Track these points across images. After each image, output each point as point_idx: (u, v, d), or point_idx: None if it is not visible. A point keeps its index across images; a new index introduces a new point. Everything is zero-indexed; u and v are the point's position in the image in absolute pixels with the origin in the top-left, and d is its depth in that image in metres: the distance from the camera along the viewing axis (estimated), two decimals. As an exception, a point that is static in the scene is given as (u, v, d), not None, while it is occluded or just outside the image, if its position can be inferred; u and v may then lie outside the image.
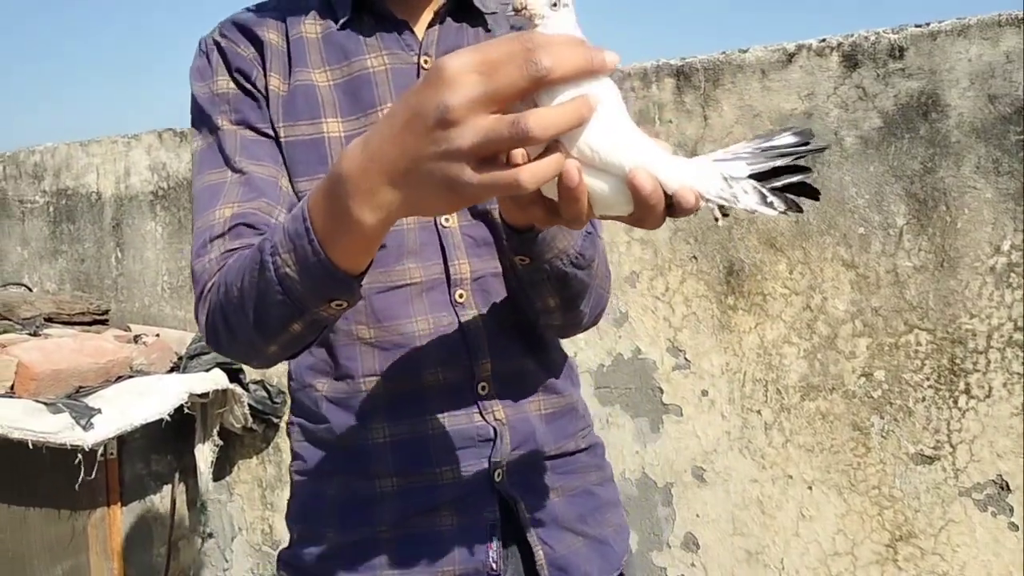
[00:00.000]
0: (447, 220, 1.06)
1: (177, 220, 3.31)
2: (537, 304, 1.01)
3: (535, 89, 0.62)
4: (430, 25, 1.10)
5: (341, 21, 1.08)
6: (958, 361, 1.99)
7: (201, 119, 1.07)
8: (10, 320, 3.02)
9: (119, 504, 2.84)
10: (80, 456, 2.48)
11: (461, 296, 1.07)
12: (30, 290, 3.69)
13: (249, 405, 2.90)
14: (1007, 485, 1.95)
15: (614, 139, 0.65)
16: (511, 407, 1.10)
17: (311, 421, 1.11)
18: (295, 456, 1.14)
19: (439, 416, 1.06)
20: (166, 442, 3.04)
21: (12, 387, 2.58)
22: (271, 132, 1.05)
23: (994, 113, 1.91)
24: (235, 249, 0.96)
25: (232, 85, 1.06)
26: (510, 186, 0.62)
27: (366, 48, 1.08)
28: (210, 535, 3.18)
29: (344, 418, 1.07)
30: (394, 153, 0.66)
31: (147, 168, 3.40)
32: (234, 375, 2.90)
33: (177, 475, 3.12)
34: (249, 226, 0.98)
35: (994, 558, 1.98)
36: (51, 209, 3.72)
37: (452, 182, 0.63)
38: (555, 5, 0.67)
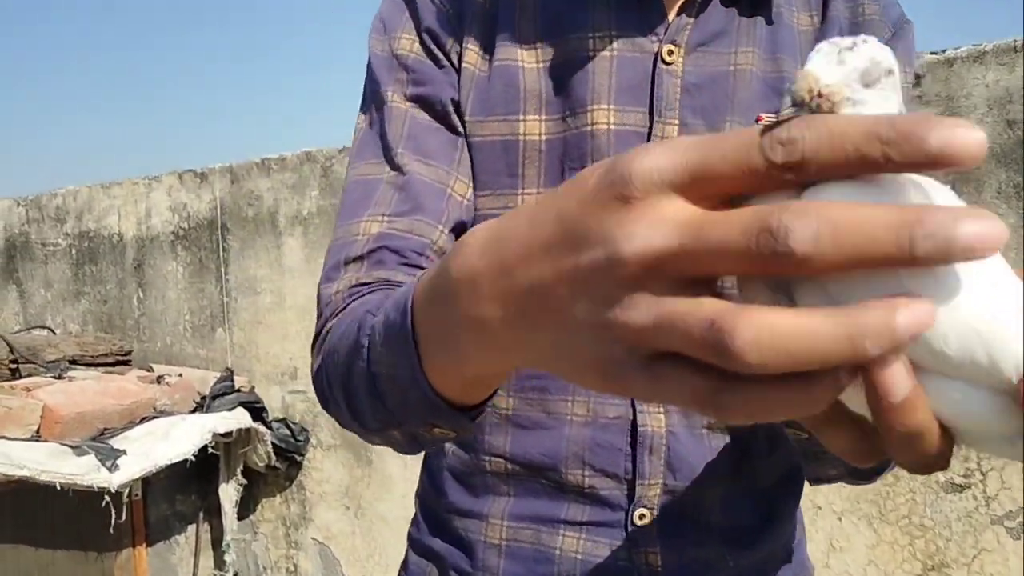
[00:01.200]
0: None
1: (198, 260, 3.34)
2: (814, 473, 0.76)
3: (779, 274, 0.33)
4: (686, 4, 0.79)
5: None
6: (985, 387, 1.98)
7: (371, 85, 0.83)
8: (35, 363, 3.04)
9: (144, 545, 2.85)
10: (108, 498, 2.49)
11: None
12: (53, 332, 3.73)
13: (272, 443, 2.91)
14: (1040, 512, 1.92)
15: (983, 320, 0.31)
16: (674, 552, 0.79)
17: (432, 484, 0.88)
18: (415, 514, 0.93)
19: (571, 535, 0.80)
20: (190, 482, 3.04)
21: (38, 430, 2.60)
22: (455, 117, 0.80)
23: (1013, 138, 1.91)
24: (369, 284, 0.74)
25: (417, 47, 0.81)
26: (704, 411, 0.34)
27: (592, 22, 0.78)
28: (235, 575, 3.18)
29: (461, 497, 0.84)
30: (525, 281, 0.39)
31: (168, 209, 3.43)
32: (257, 414, 2.92)
33: (201, 515, 3.12)
34: (395, 252, 0.76)
35: (1029, 587, 1.95)
36: (73, 251, 3.76)
37: (607, 367, 0.37)
38: (873, 79, 0.34)
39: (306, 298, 3.04)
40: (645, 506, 0.78)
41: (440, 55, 0.80)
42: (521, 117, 0.78)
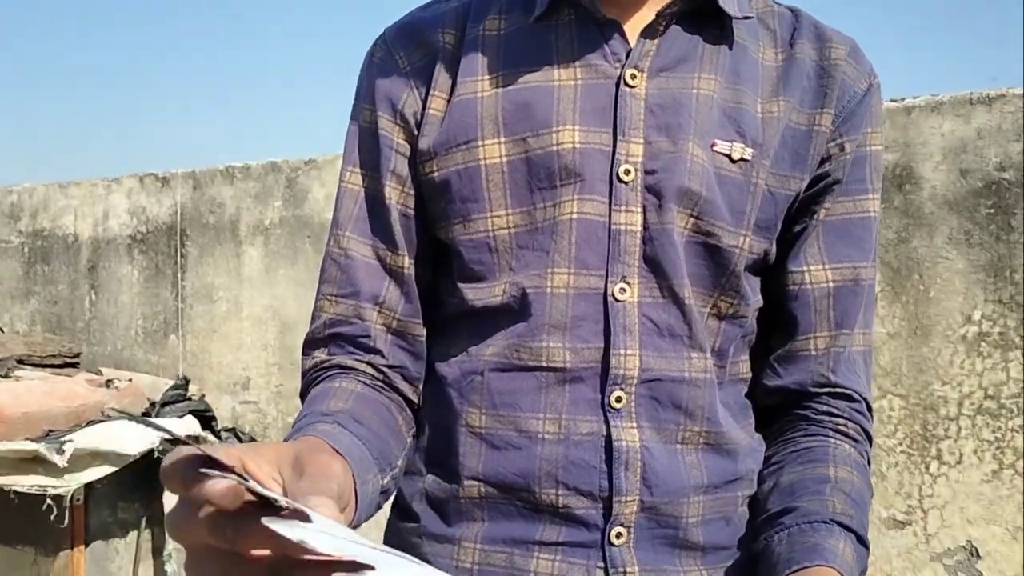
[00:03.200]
0: (623, 290, 0.78)
1: (155, 265, 3.30)
2: None
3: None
4: (648, 29, 0.81)
5: (535, 14, 0.81)
6: (930, 427, 2.02)
7: (344, 150, 0.89)
8: (-20, 361, 2.98)
9: (83, 548, 2.79)
10: (50, 501, 2.44)
11: (619, 400, 0.78)
12: (1, 331, 3.65)
13: (221, 453, 2.88)
14: (977, 551, 1.97)
15: None
16: (652, 572, 0.79)
17: (403, 508, 0.88)
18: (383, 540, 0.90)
19: (545, 556, 0.78)
20: (134, 489, 2.99)
21: (-19, 429, 2.55)
22: (403, 189, 0.85)
23: (966, 187, 1.98)
24: (327, 368, 0.85)
25: (372, 118, 0.85)
26: None
27: (556, 54, 0.81)
28: (174, 585, 3.12)
29: (434, 523, 0.84)
30: None
31: (126, 212, 3.40)
32: (207, 422, 2.88)
33: (144, 522, 3.07)
34: (346, 339, 0.85)
35: (964, 624, 1.99)
36: (26, 249, 3.70)
37: None
38: None
39: (263, 308, 3.02)
40: (622, 524, 0.77)
41: (390, 122, 0.84)
42: (480, 143, 0.80)
